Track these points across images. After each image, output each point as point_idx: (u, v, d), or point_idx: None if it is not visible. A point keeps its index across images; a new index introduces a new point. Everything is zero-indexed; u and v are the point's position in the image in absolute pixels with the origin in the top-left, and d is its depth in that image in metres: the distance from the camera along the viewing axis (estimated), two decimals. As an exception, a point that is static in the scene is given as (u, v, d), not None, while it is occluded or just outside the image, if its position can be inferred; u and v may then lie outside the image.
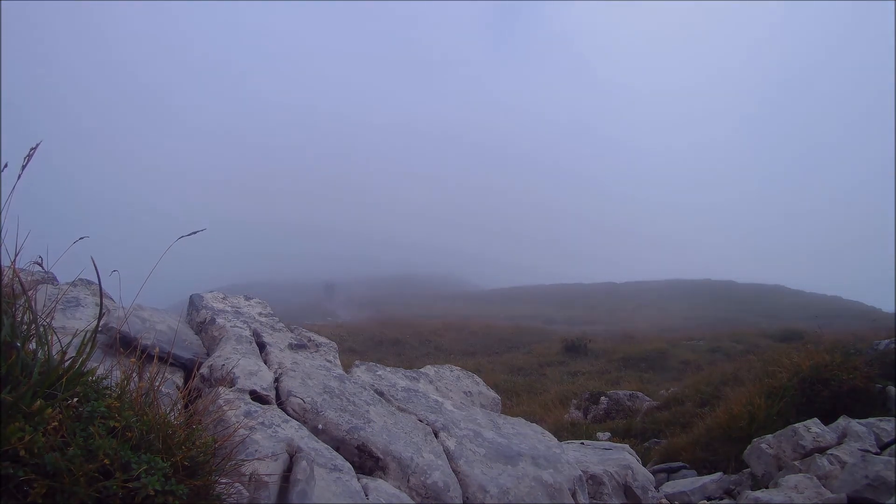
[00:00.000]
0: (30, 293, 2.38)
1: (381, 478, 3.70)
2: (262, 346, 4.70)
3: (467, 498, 3.90)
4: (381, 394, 4.79)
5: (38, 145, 2.35)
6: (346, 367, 5.43)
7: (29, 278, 4.52)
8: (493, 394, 6.56)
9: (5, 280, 2.40)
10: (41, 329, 2.19)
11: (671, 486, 6.61)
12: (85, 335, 2.26)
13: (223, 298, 5.69)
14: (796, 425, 6.57)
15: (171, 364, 4.00)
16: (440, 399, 5.18)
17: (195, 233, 2.71)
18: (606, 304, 48.26)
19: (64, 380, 2.08)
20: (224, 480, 2.39)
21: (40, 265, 2.60)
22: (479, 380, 6.67)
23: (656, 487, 6.24)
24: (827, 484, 5.62)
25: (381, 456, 3.79)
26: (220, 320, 4.90)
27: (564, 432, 10.73)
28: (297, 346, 4.99)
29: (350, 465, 3.58)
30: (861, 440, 6.13)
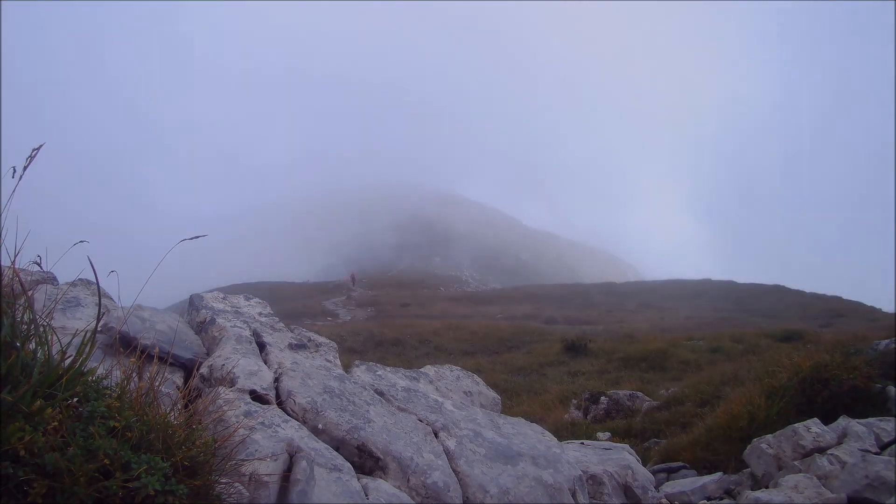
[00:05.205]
0: (29, 293, 2.38)
1: (381, 478, 3.70)
2: (262, 346, 4.71)
3: (467, 498, 3.91)
4: (381, 394, 4.79)
5: (39, 147, 2.35)
6: (346, 367, 5.43)
7: (29, 278, 4.52)
8: (493, 394, 6.56)
9: (5, 280, 2.40)
10: (41, 329, 2.19)
11: (671, 486, 6.61)
12: (85, 335, 2.26)
13: (223, 298, 5.69)
14: (796, 425, 6.56)
15: (171, 364, 4.00)
16: (440, 399, 5.18)
17: (197, 237, 2.72)
18: (606, 304, 48.24)
19: (64, 380, 2.08)
20: (224, 480, 2.39)
21: (38, 265, 2.60)
22: (479, 380, 6.67)
23: (656, 487, 6.24)
24: (827, 484, 5.61)
25: (381, 456, 3.79)
26: (220, 320, 4.90)
27: (564, 432, 10.73)
28: (297, 346, 5.00)
29: (350, 465, 3.58)
30: (861, 440, 6.13)
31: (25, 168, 2.29)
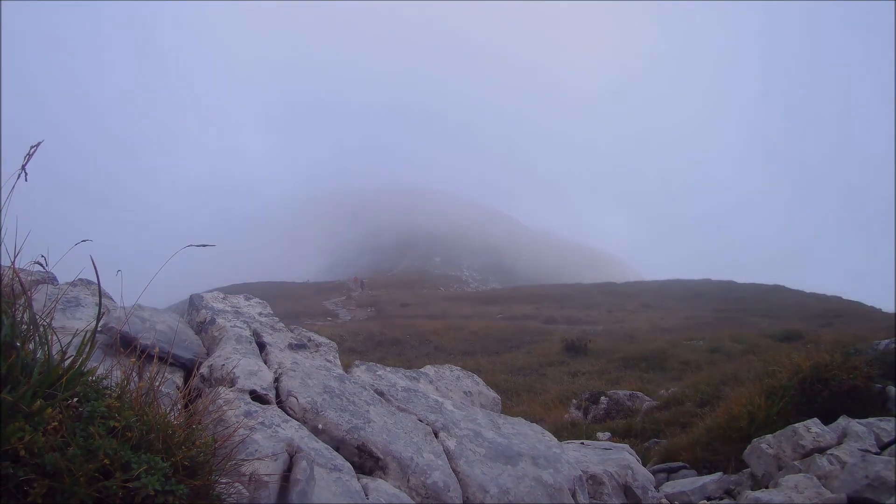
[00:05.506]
0: (29, 293, 2.38)
1: (381, 478, 3.70)
2: (262, 346, 4.71)
3: (467, 498, 3.91)
4: (381, 394, 4.79)
5: (38, 144, 2.35)
6: (346, 367, 5.43)
7: (29, 278, 4.52)
8: (493, 394, 6.56)
9: (5, 280, 2.40)
10: (41, 329, 2.19)
11: (671, 486, 6.61)
12: (84, 335, 2.26)
13: (223, 298, 5.69)
14: (796, 425, 6.56)
15: (171, 364, 4.00)
16: (440, 399, 5.18)
17: (204, 245, 2.73)
18: (606, 304, 48.19)
19: (64, 380, 2.08)
20: (224, 480, 2.39)
21: (42, 265, 2.60)
22: (479, 380, 6.67)
23: (656, 487, 6.24)
24: (827, 484, 5.62)
25: (381, 456, 3.79)
26: (220, 320, 4.90)
27: (564, 432, 10.73)
28: (297, 346, 5.00)
29: (350, 465, 3.58)
30: (861, 440, 6.13)
31: (24, 166, 2.28)
